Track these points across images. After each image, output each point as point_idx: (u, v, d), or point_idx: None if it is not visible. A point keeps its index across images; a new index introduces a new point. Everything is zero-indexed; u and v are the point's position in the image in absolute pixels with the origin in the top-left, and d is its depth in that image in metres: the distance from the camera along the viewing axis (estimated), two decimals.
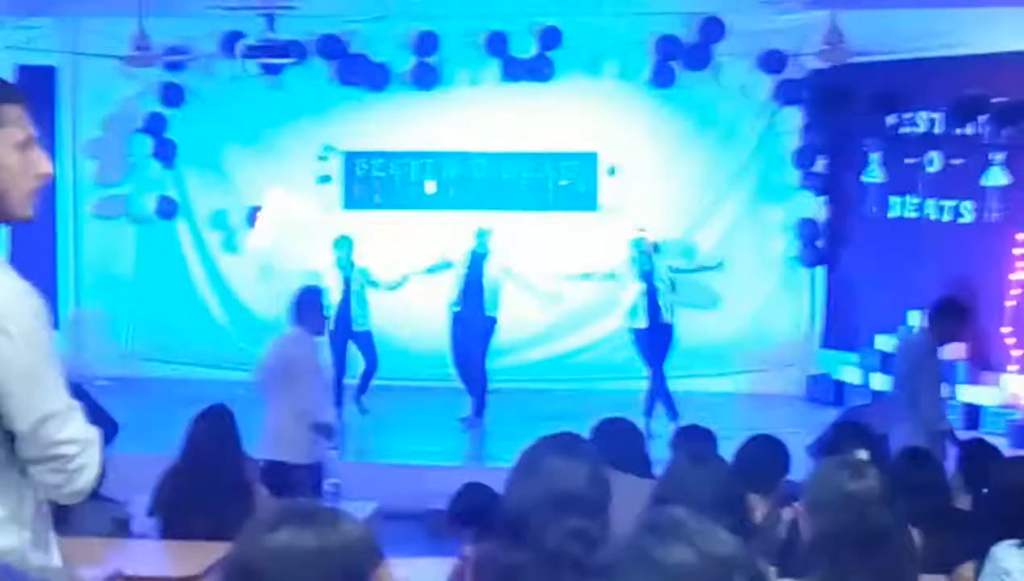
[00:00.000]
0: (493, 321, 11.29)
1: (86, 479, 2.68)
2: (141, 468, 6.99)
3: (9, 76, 12.53)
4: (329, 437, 7.48)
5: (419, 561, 4.95)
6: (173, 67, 13.40)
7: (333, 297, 10.93)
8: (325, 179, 13.63)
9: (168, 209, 13.62)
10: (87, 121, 13.74)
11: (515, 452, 3.15)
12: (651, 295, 10.91)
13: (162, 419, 9.97)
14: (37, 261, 13.37)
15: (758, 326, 13.32)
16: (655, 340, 11.00)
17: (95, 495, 5.68)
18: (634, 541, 1.67)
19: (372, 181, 13.63)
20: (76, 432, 2.65)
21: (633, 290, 10.90)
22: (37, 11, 12.66)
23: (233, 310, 13.74)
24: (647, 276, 10.93)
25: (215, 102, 13.62)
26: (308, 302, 7.58)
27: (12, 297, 2.54)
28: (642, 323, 10.93)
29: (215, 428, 5.66)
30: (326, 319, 8.44)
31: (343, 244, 11.51)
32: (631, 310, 10.97)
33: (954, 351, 11.56)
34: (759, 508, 4.19)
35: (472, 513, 5.29)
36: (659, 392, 10.93)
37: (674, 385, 12.93)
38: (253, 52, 12.41)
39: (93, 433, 2.70)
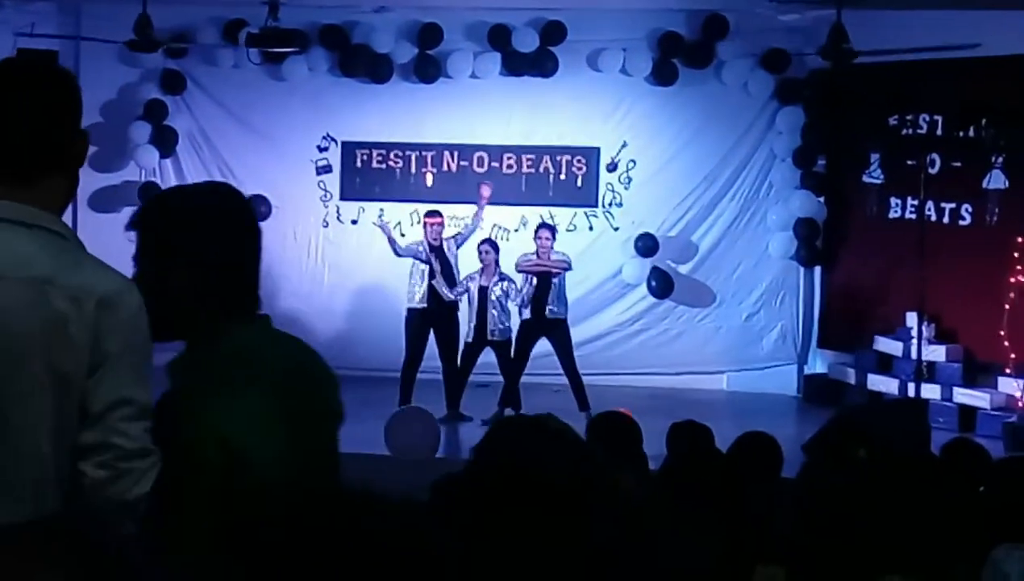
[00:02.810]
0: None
1: (131, 488, 2.44)
2: None
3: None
4: None
5: None
6: (174, 54, 13.38)
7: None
8: (325, 169, 13.64)
9: None
10: (87, 107, 13.50)
11: None
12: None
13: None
14: None
15: (754, 324, 13.33)
16: None
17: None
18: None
19: (371, 172, 13.62)
20: (143, 434, 2.49)
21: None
22: None
23: None
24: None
25: (216, 90, 13.61)
26: None
27: (124, 287, 2.56)
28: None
29: None
30: None
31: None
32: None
33: (950, 353, 11.60)
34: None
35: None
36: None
37: (669, 381, 13.00)
38: (255, 40, 12.38)
39: (156, 452, 2.50)
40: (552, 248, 11.29)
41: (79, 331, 2.48)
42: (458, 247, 11.44)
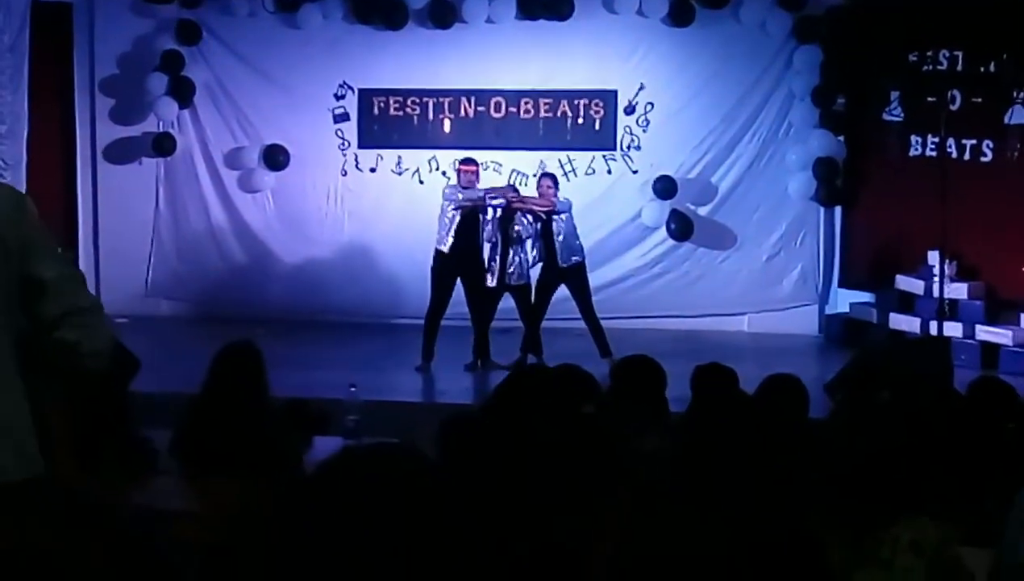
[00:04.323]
0: None
1: (103, 341, 3.08)
2: (161, 405, 7.05)
3: (26, 13, 12.49)
4: None
5: None
6: (189, 4, 13.34)
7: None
8: (342, 117, 13.61)
9: (185, 147, 13.62)
10: (103, 59, 13.70)
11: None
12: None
13: (181, 357, 10.04)
14: (55, 199, 13.44)
15: (775, 265, 13.31)
16: None
17: (123, 431, 5.75)
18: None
19: (389, 119, 13.59)
20: (88, 295, 3.11)
21: None
22: None
23: (250, 248, 13.76)
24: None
25: (232, 39, 13.57)
26: None
27: (21, 191, 3.19)
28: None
29: (242, 363, 5.66)
30: None
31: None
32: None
33: (972, 290, 11.58)
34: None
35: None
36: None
37: (689, 324, 13.01)
38: None
39: (98, 301, 3.14)
40: (555, 196, 11.12)
41: (6, 230, 3.00)
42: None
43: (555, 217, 10.93)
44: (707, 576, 1.48)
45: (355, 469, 1.74)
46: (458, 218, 10.79)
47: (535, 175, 12.97)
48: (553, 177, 11.38)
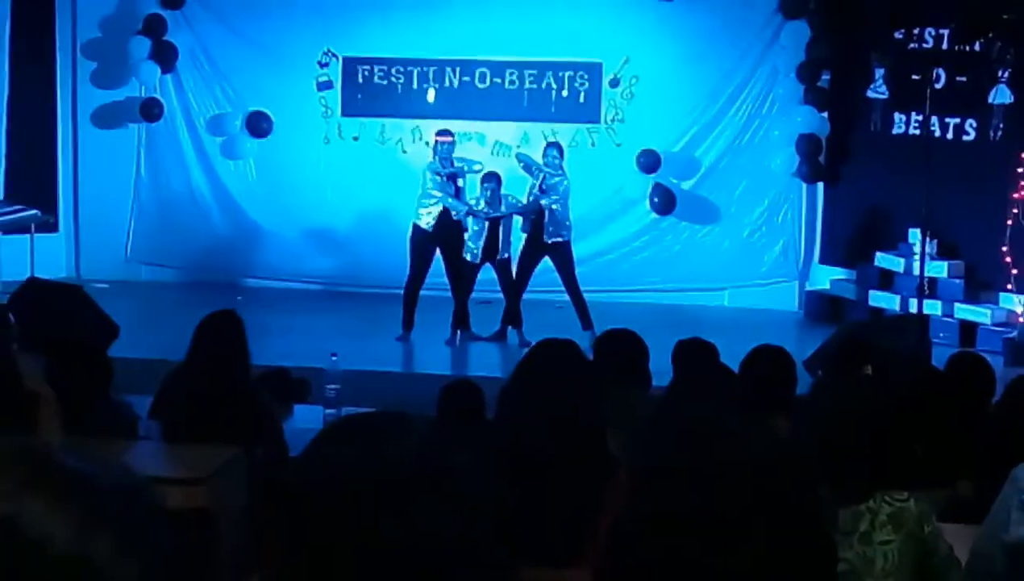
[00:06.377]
0: None
1: None
2: (142, 371, 7.05)
3: None
4: None
5: None
6: None
7: None
8: (326, 85, 13.54)
9: (168, 113, 13.52)
10: (86, 22, 13.58)
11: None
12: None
13: (161, 323, 10.03)
14: (36, 163, 13.35)
15: (757, 241, 13.32)
16: None
17: (105, 396, 5.74)
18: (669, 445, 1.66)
19: (373, 88, 13.53)
20: None
21: None
22: None
23: (232, 216, 13.70)
24: None
25: (215, 4, 13.46)
26: None
27: None
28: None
29: (224, 332, 5.66)
30: None
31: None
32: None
33: (952, 269, 11.62)
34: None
35: (461, 412, 5.39)
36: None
37: (670, 298, 13.03)
38: None
39: None
40: (562, 166, 11.16)
41: None
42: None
43: (547, 188, 10.96)
44: (709, 552, 1.48)
45: (361, 433, 1.73)
46: (439, 208, 10.80)
47: (518, 146, 12.95)
48: (559, 146, 11.43)
